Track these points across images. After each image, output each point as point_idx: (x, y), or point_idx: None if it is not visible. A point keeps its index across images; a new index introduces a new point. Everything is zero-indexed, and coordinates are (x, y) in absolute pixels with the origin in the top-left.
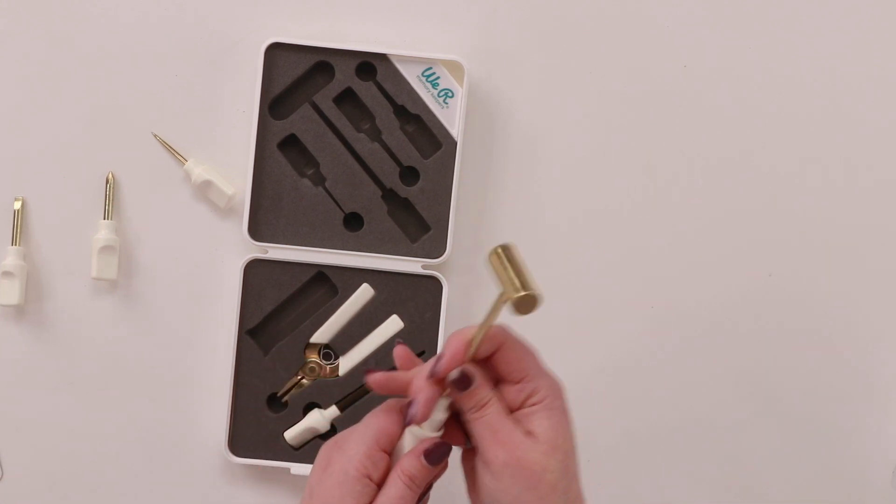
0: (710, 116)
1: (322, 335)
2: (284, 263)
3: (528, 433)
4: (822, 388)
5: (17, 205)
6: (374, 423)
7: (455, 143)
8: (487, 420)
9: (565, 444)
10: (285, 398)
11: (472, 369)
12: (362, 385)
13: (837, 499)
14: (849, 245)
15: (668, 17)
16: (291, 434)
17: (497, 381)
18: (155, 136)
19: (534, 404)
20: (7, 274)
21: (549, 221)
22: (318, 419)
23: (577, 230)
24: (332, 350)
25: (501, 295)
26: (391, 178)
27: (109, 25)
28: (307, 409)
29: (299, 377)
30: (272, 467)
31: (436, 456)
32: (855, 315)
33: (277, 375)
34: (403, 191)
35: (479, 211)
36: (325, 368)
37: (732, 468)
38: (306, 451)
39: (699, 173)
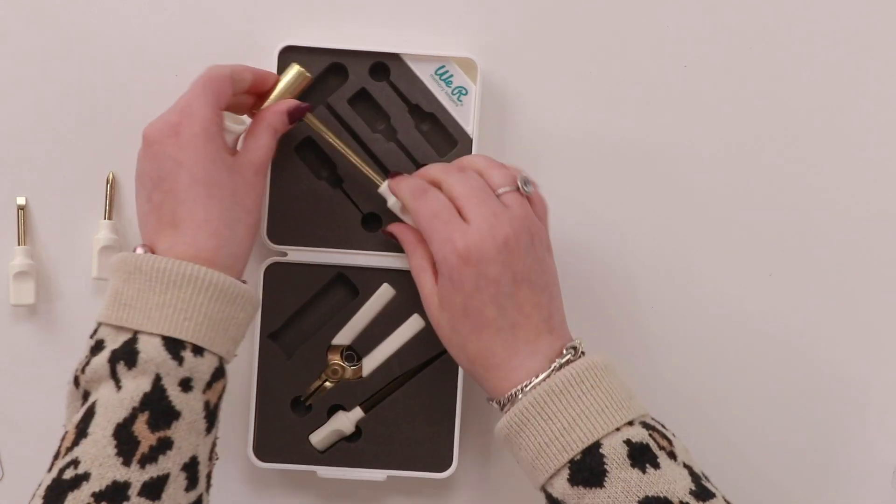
0: (711, 116)
1: (344, 337)
2: (304, 266)
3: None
4: (822, 387)
5: (21, 200)
6: (211, 87)
7: (470, 141)
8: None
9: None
10: (309, 401)
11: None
12: (386, 386)
13: (837, 499)
14: (849, 245)
15: (669, 16)
16: (317, 437)
17: None
18: None
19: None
20: (22, 274)
21: (563, 217)
22: (342, 421)
23: (584, 228)
24: (354, 352)
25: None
26: None
27: (110, 26)
28: (331, 412)
29: (323, 380)
30: (299, 471)
31: (297, 115)
32: (855, 315)
33: (301, 379)
34: None
35: None
36: (348, 370)
37: (731, 467)
38: (332, 453)
39: (699, 172)
